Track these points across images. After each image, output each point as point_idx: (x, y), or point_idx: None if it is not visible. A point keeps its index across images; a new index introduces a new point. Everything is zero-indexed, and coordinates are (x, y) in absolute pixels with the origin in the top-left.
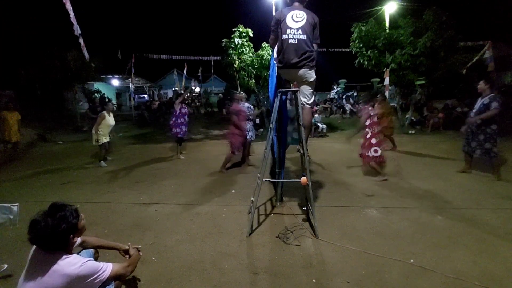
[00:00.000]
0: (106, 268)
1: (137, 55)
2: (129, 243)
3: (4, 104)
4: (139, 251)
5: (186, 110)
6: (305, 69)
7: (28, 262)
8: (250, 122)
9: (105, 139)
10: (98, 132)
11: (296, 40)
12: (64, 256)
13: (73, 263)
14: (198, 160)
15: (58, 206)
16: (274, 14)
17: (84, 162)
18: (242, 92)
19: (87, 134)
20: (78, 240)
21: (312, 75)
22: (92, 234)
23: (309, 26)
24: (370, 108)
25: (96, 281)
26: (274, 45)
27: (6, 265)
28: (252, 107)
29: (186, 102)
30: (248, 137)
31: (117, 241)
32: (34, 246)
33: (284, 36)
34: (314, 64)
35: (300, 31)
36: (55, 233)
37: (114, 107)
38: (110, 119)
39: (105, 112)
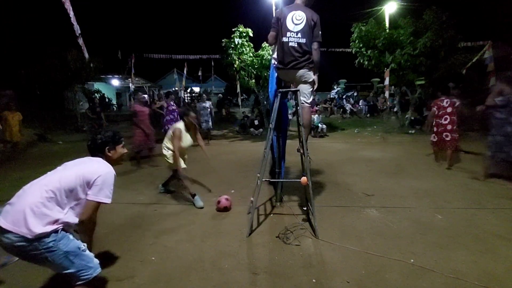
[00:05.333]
0: (110, 201)
1: (137, 55)
2: None
3: (5, 104)
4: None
5: (173, 107)
6: (305, 69)
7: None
8: (204, 111)
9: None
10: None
11: (296, 43)
12: (104, 160)
13: (107, 165)
14: (197, 160)
15: (116, 131)
16: (274, 14)
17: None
18: (141, 94)
19: (87, 134)
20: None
21: (310, 75)
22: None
23: (308, 28)
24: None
25: (100, 189)
26: (273, 41)
27: (16, 258)
28: (210, 105)
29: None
30: (203, 126)
31: (116, 241)
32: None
33: (284, 39)
34: (313, 65)
35: (299, 35)
36: (99, 137)
37: (114, 107)
38: (187, 139)
39: (182, 127)
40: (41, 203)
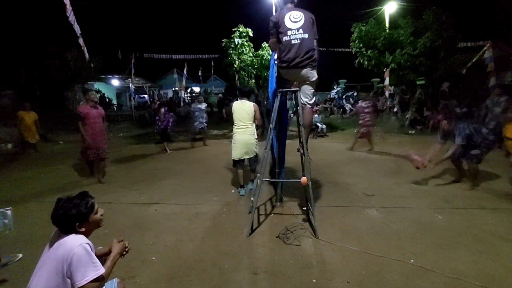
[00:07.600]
0: (98, 270)
1: (137, 55)
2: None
3: (20, 104)
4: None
5: (167, 115)
6: (308, 68)
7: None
8: (199, 112)
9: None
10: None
11: (299, 39)
12: (73, 234)
13: (76, 238)
14: (198, 159)
15: (80, 195)
16: (274, 14)
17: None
18: (92, 93)
19: None
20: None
21: (314, 74)
22: (92, 234)
23: (308, 25)
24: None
25: (76, 274)
26: (274, 47)
27: (21, 255)
28: (203, 107)
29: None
30: (196, 125)
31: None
32: (53, 232)
33: (286, 38)
34: (316, 64)
35: (301, 30)
36: (64, 215)
37: (114, 107)
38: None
39: None
40: None
